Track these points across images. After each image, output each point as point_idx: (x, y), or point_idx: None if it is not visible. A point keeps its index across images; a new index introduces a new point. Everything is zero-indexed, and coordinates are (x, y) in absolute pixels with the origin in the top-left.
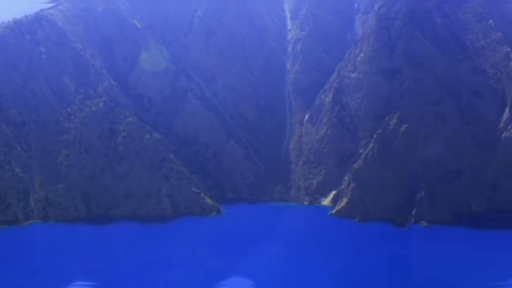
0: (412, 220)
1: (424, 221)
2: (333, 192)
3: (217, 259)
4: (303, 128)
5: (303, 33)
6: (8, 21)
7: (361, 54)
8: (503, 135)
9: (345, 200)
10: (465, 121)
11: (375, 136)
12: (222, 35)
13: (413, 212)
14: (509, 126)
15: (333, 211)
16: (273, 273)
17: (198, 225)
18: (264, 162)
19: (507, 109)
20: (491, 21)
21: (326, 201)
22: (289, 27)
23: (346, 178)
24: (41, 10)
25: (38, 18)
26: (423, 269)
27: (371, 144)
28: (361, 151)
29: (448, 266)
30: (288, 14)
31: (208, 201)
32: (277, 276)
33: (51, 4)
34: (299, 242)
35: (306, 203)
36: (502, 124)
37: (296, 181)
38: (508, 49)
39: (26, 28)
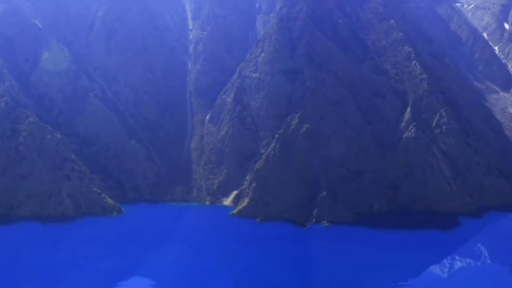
0: (314, 220)
1: (325, 221)
2: (235, 192)
3: (118, 259)
4: (205, 128)
5: (205, 33)
6: None
7: (263, 54)
8: (404, 135)
9: (246, 200)
10: (367, 121)
11: (276, 136)
12: (123, 35)
13: (315, 212)
14: (410, 126)
15: (235, 211)
16: (174, 273)
17: (99, 225)
18: (165, 162)
19: (408, 109)
20: (392, 21)
21: (227, 201)
22: (190, 27)
23: (247, 178)
24: None
25: None
26: (324, 269)
27: (273, 144)
28: (262, 151)
29: (348, 266)
30: (189, 14)
31: (110, 201)
32: (178, 276)
33: None
34: (200, 242)
35: (207, 203)
36: (403, 124)
37: (198, 181)
38: (410, 49)
39: None
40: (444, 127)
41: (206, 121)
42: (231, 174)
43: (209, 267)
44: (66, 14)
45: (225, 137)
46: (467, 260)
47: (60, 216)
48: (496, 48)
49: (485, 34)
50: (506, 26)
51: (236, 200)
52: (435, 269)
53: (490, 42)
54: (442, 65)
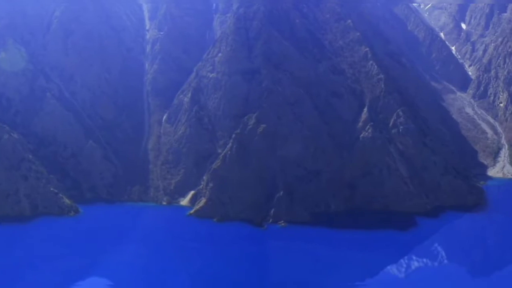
0: (271, 220)
1: (282, 221)
2: (192, 192)
3: (75, 259)
4: (162, 128)
5: (162, 33)
6: None
7: (220, 54)
8: (361, 135)
9: (203, 200)
10: (324, 121)
11: (233, 136)
12: (81, 35)
13: (272, 212)
14: (367, 126)
15: (192, 211)
16: (130, 273)
17: (56, 225)
18: (122, 162)
19: (365, 109)
20: (349, 21)
21: (184, 201)
22: (147, 27)
23: (204, 178)
24: None
25: None
26: (281, 269)
27: (230, 144)
28: (219, 151)
29: (305, 266)
30: (146, 14)
31: (67, 201)
32: (134, 276)
33: None
34: (156, 242)
35: (164, 203)
36: (360, 124)
37: (155, 181)
38: (367, 49)
39: None
40: (401, 127)
41: (163, 121)
42: (188, 174)
43: (166, 267)
44: (23, 14)
45: (182, 137)
46: (424, 260)
47: (17, 216)
48: (453, 48)
49: (442, 34)
50: (463, 26)
51: (193, 200)
52: (392, 269)
53: (447, 42)
54: (399, 65)
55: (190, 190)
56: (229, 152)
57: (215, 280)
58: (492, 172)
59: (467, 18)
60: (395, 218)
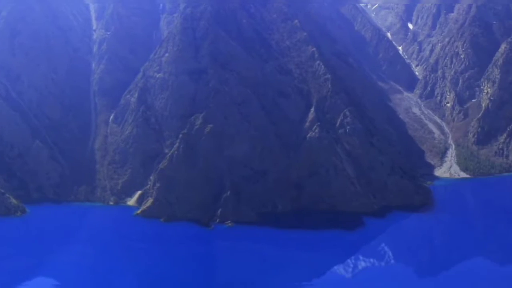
0: (218, 220)
1: (229, 221)
2: (139, 192)
3: (21, 259)
4: (109, 128)
5: (109, 33)
6: None
7: (167, 54)
8: (308, 135)
9: (150, 200)
10: (271, 121)
11: (180, 136)
12: (27, 35)
13: (219, 212)
14: (314, 126)
15: (139, 211)
16: (77, 273)
17: (3, 225)
18: (69, 162)
19: (312, 109)
20: (296, 21)
21: (131, 201)
22: (94, 27)
23: (151, 178)
24: None
25: None
26: (228, 269)
27: (176, 144)
28: (166, 151)
29: (252, 266)
30: (93, 14)
31: (13, 201)
32: (81, 276)
33: None
34: (103, 242)
35: (111, 203)
36: (307, 124)
37: (102, 181)
38: (314, 49)
39: None
40: (348, 127)
41: (110, 121)
42: (135, 174)
43: (112, 267)
44: None
45: (129, 137)
46: (371, 260)
47: None
48: (400, 48)
49: (389, 34)
50: (410, 26)
51: (140, 200)
52: (339, 269)
53: (394, 42)
54: (346, 65)
55: (137, 190)
56: (176, 152)
57: (162, 280)
58: (439, 172)
59: (414, 18)
60: (342, 218)
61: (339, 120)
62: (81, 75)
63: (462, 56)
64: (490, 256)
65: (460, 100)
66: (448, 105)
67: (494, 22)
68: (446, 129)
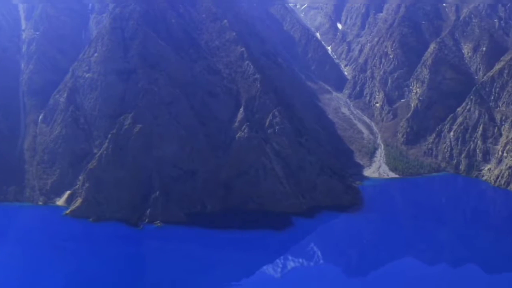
0: (147, 220)
1: (158, 221)
2: (68, 192)
3: None
4: (38, 128)
5: (38, 33)
6: None
7: (96, 54)
8: (237, 135)
9: (79, 200)
10: (200, 121)
11: (109, 136)
12: None
13: (148, 212)
14: (243, 126)
15: (68, 211)
16: (4, 273)
17: None
18: None
19: (241, 109)
20: (225, 21)
21: (60, 201)
22: (23, 27)
23: (80, 178)
24: None
25: None
26: (156, 269)
27: (105, 144)
28: (95, 151)
29: (181, 266)
30: (22, 14)
31: None
32: (8, 276)
33: None
34: (32, 242)
35: (40, 203)
36: (236, 124)
37: (31, 181)
38: (243, 49)
39: None
40: (277, 127)
41: (39, 121)
42: (64, 174)
43: (41, 267)
44: None
45: (58, 137)
46: (300, 259)
47: None
48: (329, 48)
49: (318, 34)
50: (339, 26)
51: (70, 200)
52: (268, 268)
53: (323, 42)
54: (275, 65)
55: (66, 190)
56: (105, 152)
57: (90, 280)
58: (368, 172)
59: (343, 18)
60: (271, 218)
61: (268, 120)
62: (10, 75)
63: (391, 56)
64: (417, 255)
65: (389, 100)
66: (377, 105)
67: (423, 22)
68: (375, 129)
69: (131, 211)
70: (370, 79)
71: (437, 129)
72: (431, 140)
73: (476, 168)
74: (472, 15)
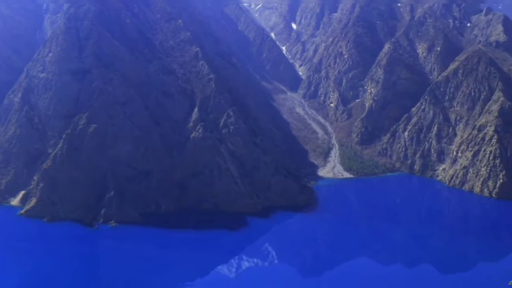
0: (101, 220)
1: (113, 221)
2: (22, 192)
3: None
4: None
5: None
6: None
7: (50, 54)
8: (192, 135)
9: (34, 200)
10: (154, 121)
11: (64, 136)
12: None
13: (102, 212)
14: (198, 126)
15: (22, 211)
16: None
17: None
18: None
19: (196, 109)
20: (180, 21)
21: (15, 201)
22: None
23: (35, 178)
24: None
25: None
26: (110, 269)
27: (60, 144)
28: (50, 151)
29: (135, 266)
30: None
31: None
32: None
33: None
34: None
35: None
36: (191, 124)
37: None
38: (197, 49)
39: None
40: (232, 127)
41: None
42: (18, 174)
43: None
44: None
45: (13, 137)
46: (254, 259)
47: None
48: (283, 48)
49: (272, 34)
50: (294, 26)
51: (24, 200)
52: (222, 268)
53: (277, 42)
54: (230, 65)
55: (21, 190)
56: (59, 152)
57: (45, 280)
58: (323, 172)
59: (297, 18)
60: (225, 218)
61: (222, 120)
62: None
63: (345, 56)
64: (372, 255)
65: (344, 100)
66: (332, 105)
67: (378, 22)
68: (330, 129)
69: (86, 211)
70: (325, 79)
71: (392, 129)
72: (385, 140)
73: (431, 168)
74: (427, 15)
